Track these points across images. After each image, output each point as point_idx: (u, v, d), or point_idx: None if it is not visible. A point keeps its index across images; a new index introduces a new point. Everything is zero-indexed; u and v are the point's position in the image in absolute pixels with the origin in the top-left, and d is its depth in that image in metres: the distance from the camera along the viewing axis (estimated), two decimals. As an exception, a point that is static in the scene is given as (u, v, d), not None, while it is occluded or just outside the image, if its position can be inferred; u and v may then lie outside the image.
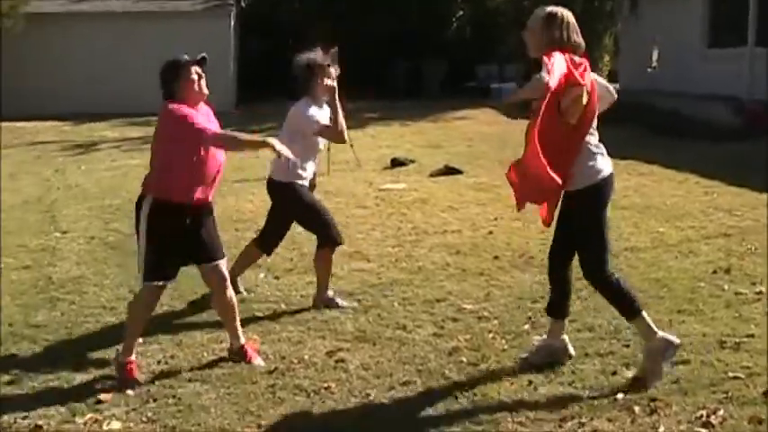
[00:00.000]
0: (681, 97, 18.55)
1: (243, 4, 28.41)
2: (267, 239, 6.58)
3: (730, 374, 4.70)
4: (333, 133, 6.29)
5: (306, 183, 6.33)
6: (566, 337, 5.05)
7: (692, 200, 9.80)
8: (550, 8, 4.69)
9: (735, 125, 15.88)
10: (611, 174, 4.76)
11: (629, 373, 4.76)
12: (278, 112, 20.93)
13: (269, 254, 6.70)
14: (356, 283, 6.83)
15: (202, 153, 4.89)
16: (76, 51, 23.73)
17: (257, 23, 28.84)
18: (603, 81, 4.98)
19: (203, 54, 5.06)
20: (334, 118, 6.25)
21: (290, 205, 6.31)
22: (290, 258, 7.60)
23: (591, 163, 4.66)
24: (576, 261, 4.87)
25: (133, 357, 5.05)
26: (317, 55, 6.30)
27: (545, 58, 4.32)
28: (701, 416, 4.20)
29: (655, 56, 22.54)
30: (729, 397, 4.41)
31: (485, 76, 27.56)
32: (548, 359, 4.92)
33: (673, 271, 6.87)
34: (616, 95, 5.01)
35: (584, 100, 4.46)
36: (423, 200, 10.41)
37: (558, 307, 5.01)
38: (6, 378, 5.06)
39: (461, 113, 21.69)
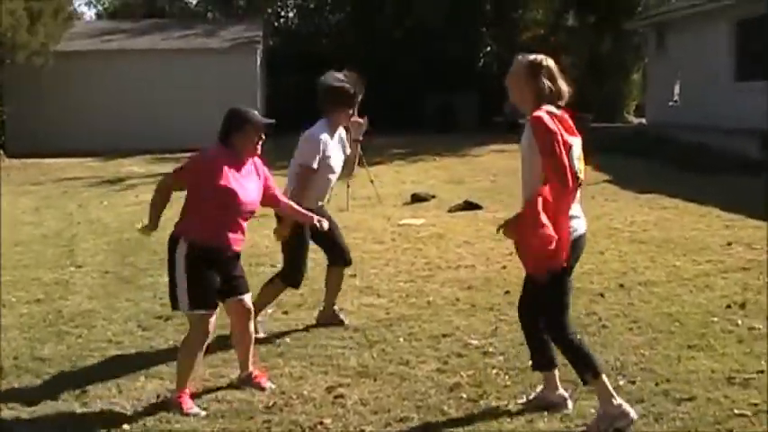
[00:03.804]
0: (708, 131, 18.40)
1: (270, 42, 28.66)
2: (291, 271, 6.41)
3: (736, 411, 4.58)
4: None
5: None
6: (562, 391, 4.77)
7: (712, 233, 9.65)
8: (533, 57, 4.47)
9: (762, 158, 15.67)
10: (582, 236, 4.49)
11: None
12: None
13: (297, 286, 6.51)
14: (364, 318, 6.77)
15: (225, 198, 4.92)
16: (106, 88, 24.04)
17: (286, 59, 29.09)
18: None
19: (272, 120, 5.10)
20: (350, 154, 6.36)
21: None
22: (301, 294, 7.55)
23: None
24: None
25: (186, 390, 5.03)
26: (349, 80, 6.17)
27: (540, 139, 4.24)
28: (702, 455, 4.09)
29: (676, 90, 22.39)
30: (732, 436, 4.29)
31: (512, 111, 27.49)
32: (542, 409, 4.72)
33: (686, 305, 6.74)
34: None
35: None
36: (439, 235, 10.35)
37: (540, 359, 4.78)
38: (5, 410, 5.04)
39: (488, 148, 21.70)
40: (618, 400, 4.45)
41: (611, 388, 4.50)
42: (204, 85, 24.00)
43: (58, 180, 18.19)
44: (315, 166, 6.13)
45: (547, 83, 4.41)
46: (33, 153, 21.65)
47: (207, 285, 4.93)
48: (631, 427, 4.41)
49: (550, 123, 4.27)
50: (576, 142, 4.41)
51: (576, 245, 4.46)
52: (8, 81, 22.02)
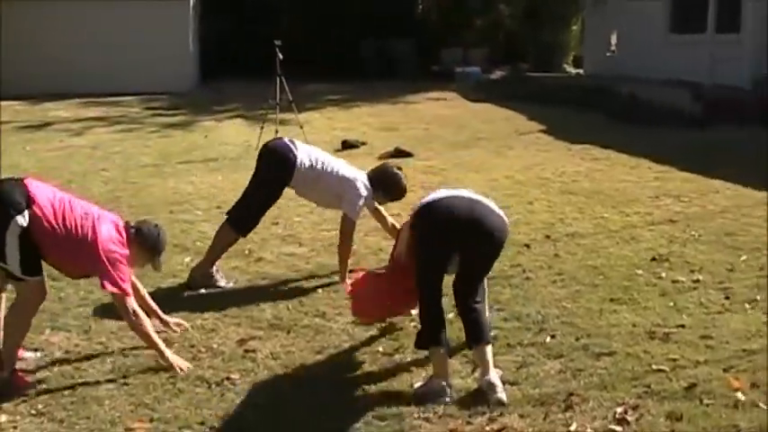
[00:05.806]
0: (643, 83, 18.36)
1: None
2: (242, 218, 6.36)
3: (654, 367, 4.51)
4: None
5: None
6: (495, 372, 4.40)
7: (642, 185, 9.59)
8: None
9: (695, 111, 15.71)
10: (432, 202, 4.72)
11: (551, 365, 4.55)
12: (242, 90, 20.39)
13: (245, 234, 6.44)
14: (283, 268, 6.57)
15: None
16: (34, 33, 23.10)
17: (220, 2, 28.27)
18: None
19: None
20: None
21: (271, 174, 6.28)
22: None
23: None
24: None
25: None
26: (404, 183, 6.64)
27: None
28: (618, 412, 3.98)
29: (613, 40, 22.37)
30: (650, 391, 4.21)
31: (449, 60, 27.25)
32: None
33: (612, 258, 6.65)
34: None
35: None
36: (368, 183, 10.12)
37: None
38: None
39: (423, 96, 21.39)
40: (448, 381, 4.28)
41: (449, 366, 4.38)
42: (134, 27, 23.21)
43: (-22, 124, 17.51)
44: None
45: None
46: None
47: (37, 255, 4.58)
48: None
49: None
50: None
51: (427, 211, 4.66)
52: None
